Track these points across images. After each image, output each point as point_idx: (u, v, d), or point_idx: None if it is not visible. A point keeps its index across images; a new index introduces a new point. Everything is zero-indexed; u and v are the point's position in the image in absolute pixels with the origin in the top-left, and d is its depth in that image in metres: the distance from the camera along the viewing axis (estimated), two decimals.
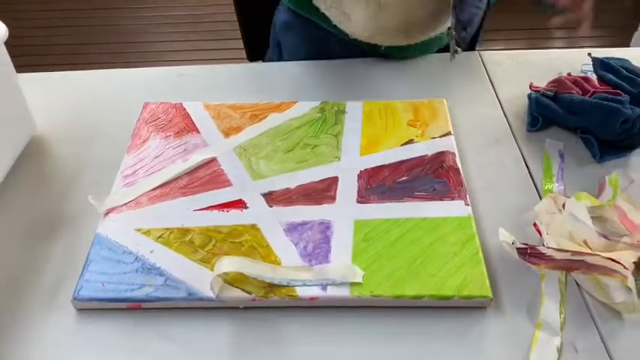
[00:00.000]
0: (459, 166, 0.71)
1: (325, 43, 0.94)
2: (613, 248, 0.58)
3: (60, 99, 0.87)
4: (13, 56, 0.72)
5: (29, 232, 0.67)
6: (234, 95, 0.85)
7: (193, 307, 0.58)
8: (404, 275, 0.58)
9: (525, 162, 0.75)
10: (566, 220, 0.61)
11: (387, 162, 0.72)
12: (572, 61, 0.90)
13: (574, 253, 0.58)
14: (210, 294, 0.57)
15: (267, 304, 0.58)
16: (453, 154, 0.73)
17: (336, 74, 0.87)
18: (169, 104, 0.81)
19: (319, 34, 0.93)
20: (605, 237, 0.58)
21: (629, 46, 2.15)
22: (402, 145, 0.74)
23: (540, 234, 0.63)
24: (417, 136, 0.75)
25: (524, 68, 0.91)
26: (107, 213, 0.66)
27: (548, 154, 0.75)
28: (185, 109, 0.81)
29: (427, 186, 0.68)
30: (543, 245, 0.60)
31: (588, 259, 0.57)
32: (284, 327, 0.57)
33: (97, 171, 0.74)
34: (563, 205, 0.63)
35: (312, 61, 0.92)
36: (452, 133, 0.76)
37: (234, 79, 0.90)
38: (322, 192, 0.68)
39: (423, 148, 0.74)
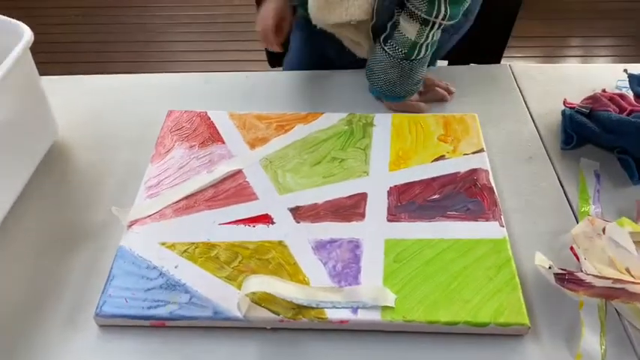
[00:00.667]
0: (493, 184, 0.69)
1: (329, 52, 0.93)
2: None
3: (82, 103, 0.86)
4: (34, 53, 0.70)
5: (51, 241, 0.66)
6: (257, 103, 0.83)
7: (219, 326, 0.56)
8: (438, 300, 0.56)
9: (560, 181, 0.72)
10: (607, 246, 0.58)
11: (417, 178, 0.70)
12: (607, 76, 0.87)
13: (615, 280, 0.55)
14: (237, 314, 0.55)
15: (296, 325, 0.56)
16: (487, 171, 0.70)
17: (363, 84, 0.85)
18: (194, 113, 0.80)
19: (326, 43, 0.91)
20: None
21: None
22: (432, 161, 0.72)
23: (578, 258, 0.61)
24: (448, 152, 0.73)
25: (556, 82, 0.88)
26: (131, 225, 0.64)
27: (583, 174, 0.73)
28: (210, 118, 0.79)
29: (460, 205, 0.66)
30: (582, 271, 0.58)
31: (630, 287, 0.55)
32: (312, 350, 0.55)
33: (119, 179, 0.73)
34: (603, 230, 0.60)
35: (338, 71, 0.90)
36: (484, 149, 0.74)
37: (257, 88, 0.88)
38: (351, 208, 0.66)
39: (455, 164, 0.71)
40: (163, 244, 0.62)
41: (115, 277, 0.59)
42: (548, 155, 0.76)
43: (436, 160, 0.72)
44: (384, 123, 0.78)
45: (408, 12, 0.73)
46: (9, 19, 0.69)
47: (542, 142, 0.78)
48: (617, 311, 0.57)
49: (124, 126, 0.81)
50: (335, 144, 0.75)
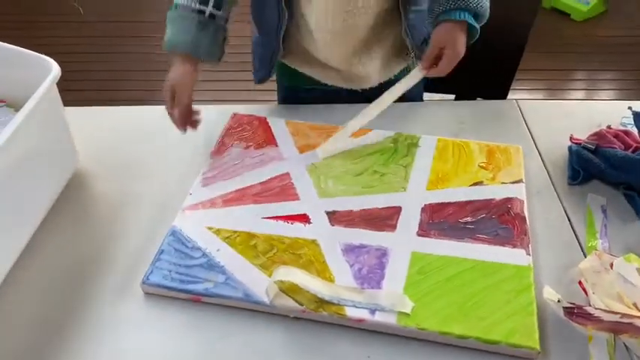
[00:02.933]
0: (526, 214, 0.70)
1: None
2: None
3: (102, 132, 0.88)
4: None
5: (71, 272, 0.67)
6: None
7: (248, 308, 0.62)
8: (453, 313, 0.59)
9: (567, 216, 0.73)
10: (615, 281, 0.59)
11: (452, 200, 0.73)
12: (612, 112, 0.86)
13: (623, 315, 0.56)
14: (265, 299, 0.60)
15: (316, 317, 0.60)
16: (522, 201, 0.72)
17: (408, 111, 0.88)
18: (255, 116, 0.87)
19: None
20: None
21: None
22: (470, 185, 0.75)
23: (586, 293, 0.61)
24: (487, 179, 0.76)
25: (562, 118, 0.87)
26: (184, 210, 0.71)
27: (590, 209, 0.73)
28: (268, 123, 0.86)
29: (490, 230, 0.68)
30: (590, 305, 0.59)
31: (638, 322, 0.55)
32: (329, 342, 0.59)
33: (139, 207, 0.75)
34: (611, 265, 0.61)
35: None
36: (523, 180, 0.76)
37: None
38: (384, 219, 0.70)
39: (492, 191, 0.74)
40: (210, 228, 0.69)
41: (165, 251, 0.66)
42: (555, 190, 0.77)
43: (474, 185, 0.75)
44: (428, 145, 0.81)
45: None
46: (39, 54, 0.73)
47: (550, 177, 0.79)
48: (625, 346, 0.57)
49: (141, 155, 0.83)
50: (379, 159, 0.79)
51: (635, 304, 0.56)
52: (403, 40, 0.86)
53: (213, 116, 0.87)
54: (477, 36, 0.77)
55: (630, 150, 0.75)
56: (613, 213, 0.73)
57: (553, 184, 0.78)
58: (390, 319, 0.59)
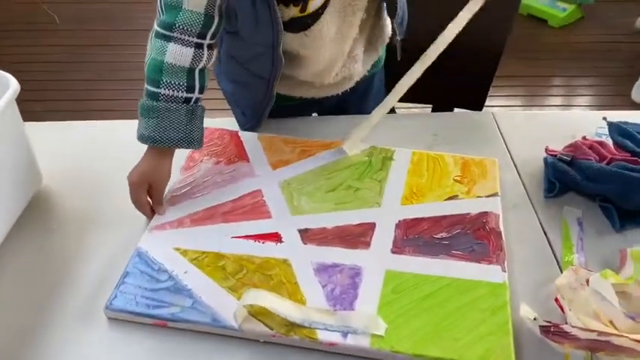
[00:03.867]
0: (502, 229, 0.69)
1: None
2: None
3: (65, 149, 0.84)
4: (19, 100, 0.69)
5: (32, 296, 0.64)
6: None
7: (216, 333, 0.59)
8: (428, 334, 0.57)
9: (544, 229, 0.72)
10: (591, 298, 0.58)
11: (427, 215, 0.71)
12: (587, 122, 0.86)
13: (600, 333, 0.54)
14: (233, 323, 0.58)
15: (287, 342, 0.58)
16: (497, 215, 0.71)
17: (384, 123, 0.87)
18: (226, 130, 0.85)
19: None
20: (632, 318, 0.55)
21: (629, 96, 2.14)
22: (445, 199, 0.74)
23: (562, 310, 0.60)
24: (462, 193, 0.74)
25: (537, 129, 0.87)
26: (151, 229, 0.69)
27: (566, 222, 0.72)
28: (240, 138, 0.84)
29: (465, 246, 0.67)
30: (566, 323, 0.58)
31: (615, 340, 0.54)
32: None
33: (104, 227, 0.72)
34: (587, 281, 0.60)
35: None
36: (499, 194, 0.75)
37: None
38: (358, 236, 0.68)
39: (467, 206, 0.73)
40: (177, 249, 0.66)
41: (129, 274, 0.63)
42: (531, 203, 0.76)
43: (449, 199, 0.74)
44: (403, 158, 0.80)
45: None
46: None
47: (526, 190, 0.78)
48: None
49: (108, 173, 0.80)
50: (353, 173, 0.77)
51: (611, 322, 0.55)
52: (374, 29, 0.86)
53: None
54: None
55: (605, 161, 0.74)
56: (589, 225, 0.72)
57: (529, 197, 0.77)
58: (363, 342, 0.57)
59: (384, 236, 0.68)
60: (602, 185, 0.73)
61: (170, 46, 0.69)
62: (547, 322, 0.55)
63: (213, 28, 0.72)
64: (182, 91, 0.70)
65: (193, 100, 0.72)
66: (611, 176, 0.72)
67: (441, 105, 1.06)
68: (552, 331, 0.55)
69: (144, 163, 0.71)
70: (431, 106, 1.16)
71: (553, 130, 0.86)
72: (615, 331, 0.54)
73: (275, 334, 0.58)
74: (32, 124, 0.77)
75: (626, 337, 0.53)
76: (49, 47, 2.50)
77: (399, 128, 0.89)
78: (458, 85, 1.10)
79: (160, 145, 0.70)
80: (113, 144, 0.85)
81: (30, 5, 2.77)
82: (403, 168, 0.78)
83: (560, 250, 0.69)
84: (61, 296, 0.64)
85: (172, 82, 0.70)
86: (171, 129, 0.70)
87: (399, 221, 0.70)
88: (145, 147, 0.72)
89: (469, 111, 0.90)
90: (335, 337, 0.57)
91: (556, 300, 0.61)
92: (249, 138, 0.84)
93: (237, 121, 0.91)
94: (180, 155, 0.80)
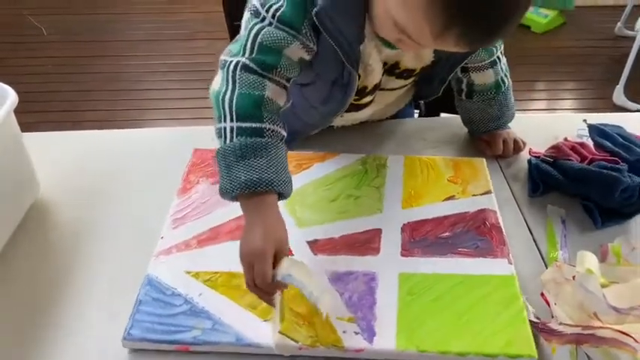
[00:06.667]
0: (501, 224, 0.72)
1: None
2: (623, 321, 0.57)
3: (61, 159, 0.84)
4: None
5: (31, 303, 0.64)
6: None
7: (240, 352, 0.59)
8: (450, 332, 0.59)
9: (529, 227, 0.75)
10: (576, 291, 0.60)
11: (429, 216, 0.73)
12: (568, 125, 0.90)
13: (585, 327, 0.57)
14: (258, 340, 0.58)
15: (314, 353, 0.58)
16: (494, 212, 0.74)
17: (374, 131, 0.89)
18: None
19: None
20: (615, 309, 0.58)
21: (611, 98, 2.24)
22: (443, 200, 0.76)
23: (549, 304, 0.62)
24: (457, 193, 0.77)
25: (521, 131, 0.90)
26: (157, 255, 0.68)
27: (550, 220, 0.76)
28: None
29: (470, 243, 0.69)
30: (552, 317, 0.60)
31: (599, 332, 0.56)
32: None
33: (101, 237, 0.72)
34: (573, 277, 0.61)
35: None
36: (492, 191, 0.78)
37: None
38: (366, 243, 0.70)
39: (464, 205, 0.75)
40: (188, 272, 0.66)
41: (142, 302, 0.62)
42: (516, 202, 0.79)
43: (446, 199, 0.76)
44: (396, 164, 0.82)
45: (474, 69, 0.83)
46: None
47: (511, 190, 0.81)
48: (587, 355, 0.59)
49: (104, 182, 0.80)
50: (350, 182, 0.79)
51: (595, 314, 0.58)
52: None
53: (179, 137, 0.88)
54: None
55: (586, 162, 0.78)
56: (572, 224, 0.76)
57: (514, 197, 0.80)
58: (390, 345, 0.58)
59: (391, 240, 0.70)
60: (583, 184, 0.77)
61: (268, 83, 0.64)
62: (536, 318, 0.58)
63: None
64: (282, 129, 0.64)
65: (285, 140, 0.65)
66: (591, 175, 0.75)
67: (428, 111, 1.08)
68: (540, 328, 0.58)
69: (260, 222, 0.58)
70: (417, 112, 1.19)
71: (536, 132, 0.89)
72: (599, 324, 0.56)
73: (301, 346, 0.58)
74: (29, 134, 0.77)
75: (610, 328, 0.55)
76: (37, 59, 2.47)
77: (387, 134, 0.91)
78: (443, 93, 1.12)
79: (276, 188, 0.59)
80: (109, 153, 0.86)
81: (16, 17, 2.74)
82: (398, 173, 0.80)
83: (545, 247, 0.72)
84: (59, 306, 0.63)
85: (273, 118, 0.63)
86: (282, 169, 0.61)
87: (404, 224, 0.72)
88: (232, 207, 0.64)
89: (455, 116, 0.93)
90: (361, 343, 0.58)
91: (542, 295, 0.64)
92: None
93: None
94: (174, 178, 0.79)
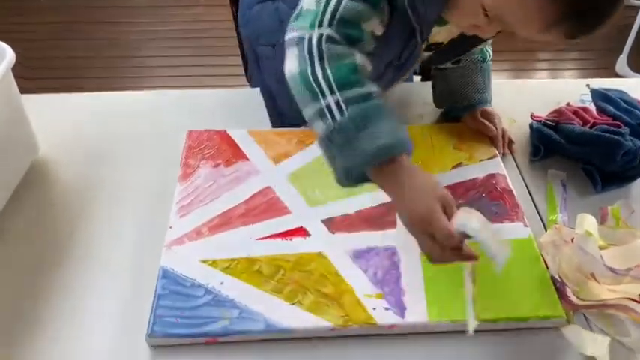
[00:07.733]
0: (512, 187, 0.72)
1: None
2: (620, 282, 0.59)
3: (60, 121, 0.85)
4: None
5: (32, 263, 0.64)
6: (244, 122, 0.84)
7: (270, 338, 0.57)
8: (479, 299, 0.59)
9: (529, 191, 0.76)
10: (575, 253, 0.61)
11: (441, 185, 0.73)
12: (571, 90, 0.91)
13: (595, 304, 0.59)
14: (289, 325, 0.57)
15: (346, 332, 0.57)
16: (504, 176, 0.74)
17: None
18: (213, 131, 0.81)
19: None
20: (612, 270, 0.59)
21: (614, 69, 2.24)
22: (451, 168, 0.75)
23: (547, 266, 0.63)
24: (465, 160, 0.77)
25: (524, 96, 0.91)
26: (170, 245, 0.65)
27: (551, 184, 0.77)
28: (230, 136, 0.80)
29: (485, 208, 0.69)
30: (551, 276, 0.62)
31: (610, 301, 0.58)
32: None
33: (102, 197, 0.73)
34: (572, 240, 0.63)
35: None
36: (498, 155, 0.78)
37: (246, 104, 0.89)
38: (382, 217, 0.69)
39: (473, 171, 0.75)
40: (204, 261, 0.63)
41: (161, 296, 0.59)
42: (517, 167, 0.80)
43: (455, 167, 0.76)
44: None
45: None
46: None
47: (512, 154, 0.82)
48: (584, 316, 0.61)
49: (104, 143, 0.81)
50: None
51: (592, 274, 0.59)
52: None
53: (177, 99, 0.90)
54: None
55: (588, 126, 0.78)
56: (572, 187, 0.77)
57: (515, 161, 0.81)
58: (422, 318, 0.58)
59: None
60: (584, 148, 0.77)
61: (356, 52, 0.60)
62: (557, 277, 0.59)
63: None
64: (377, 89, 0.59)
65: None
66: (593, 139, 0.76)
67: (429, 77, 1.07)
68: (556, 286, 0.59)
69: (411, 185, 0.55)
70: (419, 77, 1.17)
71: (539, 97, 0.89)
72: (611, 302, 0.58)
73: (334, 327, 0.57)
74: (27, 96, 0.76)
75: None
76: (34, 25, 2.41)
77: (390, 97, 0.89)
78: None
79: (408, 147, 0.57)
80: (108, 115, 0.86)
81: None
82: None
83: (544, 211, 0.73)
84: (62, 267, 0.64)
85: (368, 82, 0.58)
86: (399, 128, 0.57)
87: None
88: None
89: None
90: (393, 319, 0.57)
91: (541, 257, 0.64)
92: (240, 135, 0.80)
93: (274, 114, 0.86)
94: (173, 161, 0.76)
